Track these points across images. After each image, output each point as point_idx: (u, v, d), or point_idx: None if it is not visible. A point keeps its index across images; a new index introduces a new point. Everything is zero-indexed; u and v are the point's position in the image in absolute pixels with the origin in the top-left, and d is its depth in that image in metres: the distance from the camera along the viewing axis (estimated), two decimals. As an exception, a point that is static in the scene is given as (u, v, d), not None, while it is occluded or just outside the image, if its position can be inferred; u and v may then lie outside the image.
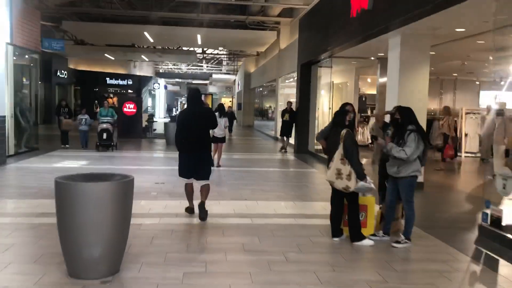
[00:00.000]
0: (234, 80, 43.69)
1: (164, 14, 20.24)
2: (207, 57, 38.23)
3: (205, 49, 33.11)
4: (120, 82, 37.92)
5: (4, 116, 11.32)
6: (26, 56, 14.07)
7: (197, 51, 32.35)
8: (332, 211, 5.58)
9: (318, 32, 13.76)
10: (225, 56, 37.50)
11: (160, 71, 47.57)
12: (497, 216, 5.58)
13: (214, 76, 47.50)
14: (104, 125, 14.11)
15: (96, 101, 31.44)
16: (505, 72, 6.48)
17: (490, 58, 8.24)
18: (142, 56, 31.19)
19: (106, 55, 29.71)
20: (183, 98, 60.95)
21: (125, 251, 4.42)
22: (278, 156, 15.22)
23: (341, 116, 5.47)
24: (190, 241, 5.34)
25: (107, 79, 37.08)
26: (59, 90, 30.09)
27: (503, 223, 5.50)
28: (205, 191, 6.35)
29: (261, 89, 30.38)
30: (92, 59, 34.18)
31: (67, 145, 14.67)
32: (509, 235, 5.33)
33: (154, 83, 43.90)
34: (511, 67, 6.55)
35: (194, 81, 50.57)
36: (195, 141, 6.18)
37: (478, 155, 15.22)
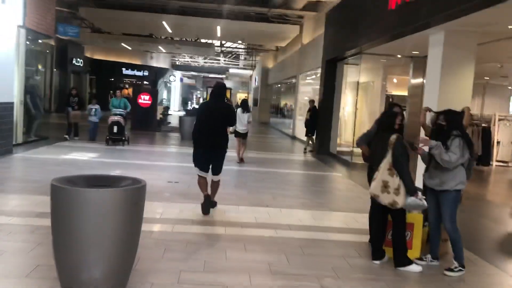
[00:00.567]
0: (251, 76, 42.94)
1: (183, 4, 19.54)
2: (225, 51, 37.49)
3: (223, 42, 32.38)
4: (136, 73, 37.33)
5: (12, 103, 10.70)
6: (40, 41, 13.46)
7: (215, 44, 31.63)
8: (373, 229, 4.80)
9: (346, 27, 12.93)
10: (243, 50, 36.73)
11: (177, 63, 46.97)
12: None
13: (230, 70, 46.79)
14: (115, 118, 12.96)
15: (111, 91, 30.89)
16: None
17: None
18: (159, 47, 30.57)
19: (123, 44, 29.13)
20: (198, 92, 60.43)
21: (133, 267, 3.71)
22: (297, 156, 14.45)
23: (390, 118, 4.69)
24: (207, 256, 4.60)
25: (123, 69, 36.52)
26: (74, 79, 29.57)
27: None
28: (215, 188, 6.33)
29: (279, 85, 29.54)
30: (109, 48, 33.60)
31: (75, 137, 13.63)
32: None
33: (170, 75, 43.30)
34: None
35: (211, 75, 49.93)
36: (212, 137, 6.06)
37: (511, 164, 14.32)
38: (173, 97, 46.78)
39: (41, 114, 13.35)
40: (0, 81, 10.01)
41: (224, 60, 44.81)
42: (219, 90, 6.38)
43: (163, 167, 10.02)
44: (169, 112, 21.87)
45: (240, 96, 52.71)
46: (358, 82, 14.07)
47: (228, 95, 14.46)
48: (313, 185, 9.60)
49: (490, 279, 4.58)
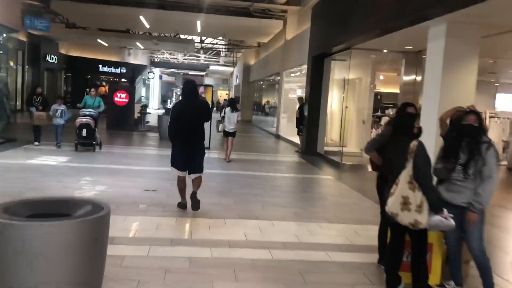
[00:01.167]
0: (232, 73, 42.07)
1: (161, -3, 18.61)
2: (205, 47, 36.54)
3: (203, 38, 31.44)
4: (113, 70, 36.09)
5: (-29, 103, 9.71)
6: (4, 35, 12.40)
7: (195, 40, 30.66)
8: (389, 253, 4.05)
9: (335, 21, 12.20)
10: (224, 46, 35.84)
11: (156, 60, 45.75)
12: None
13: (211, 67, 45.81)
14: (84, 119, 11.31)
15: (87, 89, 29.63)
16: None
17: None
18: (137, 43, 29.47)
19: (99, 40, 27.94)
20: (178, 89, 59.25)
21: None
22: (283, 157, 13.71)
23: (408, 120, 3.94)
24: (190, 290, 3.80)
25: (100, 66, 35.24)
26: (48, 76, 28.27)
27: None
28: (197, 183, 6.22)
29: (261, 82, 28.75)
30: (85, 45, 32.29)
31: (36, 143, 11.58)
32: None
33: (148, 72, 42.10)
34: None
35: (191, 72, 48.84)
36: (189, 134, 6.08)
37: (503, 163, 13.80)
38: (152, 95, 45.56)
39: (7, 114, 12.33)
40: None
41: (204, 57, 43.81)
42: (190, 86, 6.32)
43: (140, 172, 9.15)
44: (148, 111, 20.83)
45: (221, 93, 51.81)
46: (345, 79, 13.39)
47: (210, 93, 13.64)
48: (304, 191, 8.85)
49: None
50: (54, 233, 2.41)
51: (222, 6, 20.08)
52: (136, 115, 18.97)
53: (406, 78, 11.80)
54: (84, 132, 11.20)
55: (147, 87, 44.05)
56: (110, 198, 6.66)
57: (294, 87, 19.61)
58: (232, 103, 11.81)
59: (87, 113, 11.59)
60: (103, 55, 34.95)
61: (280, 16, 20.66)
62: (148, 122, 19.74)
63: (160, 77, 48.54)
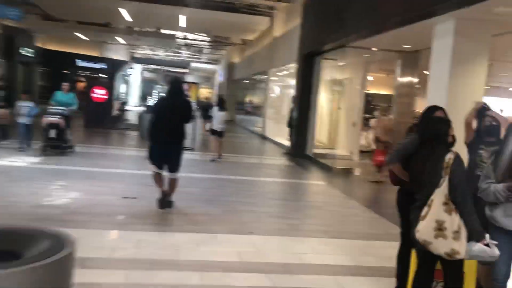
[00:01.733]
0: (215, 71, 41.28)
1: (144, -11, 17.74)
2: (188, 44, 35.65)
3: (186, 34, 30.56)
4: (93, 65, 34.89)
5: None
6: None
7: (177, 36, 29.79)
8: (415, 283, 3.40)
9: (329, 16, 11.56)
10: (207, 43, 35.00)
11: (137, 56, 44.61)
12: None
13: (193, 65, 44.89)
14: (52, 118, 9.84)
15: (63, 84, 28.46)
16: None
17: None
18: (118, 37, 28.47)
19: (77, 34, 26.87)
20: (159, 86, 58.14)
21: None
22: (272, 160, 13.05)
23: (440, 127, 3.30)
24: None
25: (79, 61, 33.98)
26: (23, 70, 27.05)
27: None
28: (172, 185, 6.09)
29: (247, 81, 28.04)
30: (64, 38, 31.09)
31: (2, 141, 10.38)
32: None
33: (128, 68, 40.99)
34: None
35: (172, 69, 47.83)
36: (169, 133, 5.94)
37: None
38: (132, 91, 44.44)
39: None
40: None
41: (187, 54, 42.86)
42: (176, 85, 6.24)
43: (118, 176, 8.38)
44: (127, 108, 19.95)
45: (203, 91, 50.90)
46: (336, 79, 12.81)
47: (195, 90, 13.11)
48: (298, 199, 8.20)
49: None
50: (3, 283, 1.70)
51: (207, 0, 19.35)
52: (115, 112, 18.10)
53: (402, 79, 11.25)
54: (52, 133, 9.75)
55: (127, 83, 42.93)
56: (84, 207, 5.91)
57: (282, 86, 18.95)
58: (220, 102, 11.69)
59: (55, 110, 10.04)
60: (83, 49, 33.73)
61: (267, 12, 20.00)
62: (127, 120, 18.88)
63: (141, 73, 47.44)
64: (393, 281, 3.97)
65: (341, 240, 5.50)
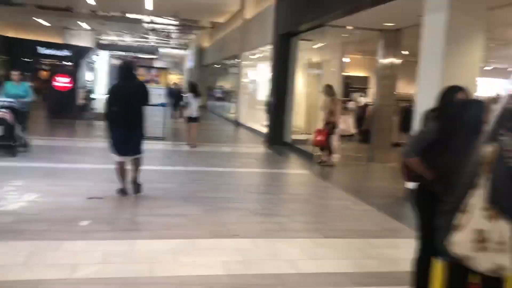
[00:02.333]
0: (184, 56, 40.12)
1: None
2: (155, 28, 34.38)
3: (153, 18, 29.35)
4: (56, 52, 33.19)
5: None
6: None
7: (144, 21, 28.56)
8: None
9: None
10: (175, 27, 33.81)
11: (103, 42, 42.92)
12: None
13: (162, 50, 43.54)
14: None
15: (26, 73, 26.84)
16: None
17: None
18: (81, 23, 27.05)
19: (36, 19, 25.36)
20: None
21: None
22: (249, 148, 12.39)
23: (475, 113, 2.70)
24: None
25: (41, 48, 32.21)
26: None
27: None
28: (138, 164, 6.12)
29: (218, 66, 27.13)
30: (24, 24, 29.42)
31: None
32: None
33: (94, 55, 39.36)
34: None
35: (140, 55, 46.33)
36: (127, 117, 5.89)
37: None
38: (99, 79, 42.82)
39: None
40: None
41: (155, 39, 41.48)
42: (127, 68, 6.15)
43: (83, 172, 7.56)
44: (93, 96, 18.87)
45: (172, 77, 49.57)
46: (313, 61, 12.17)
47: (166, 76, 12.51)
48: (282, 191, 7.57)
49: None
50: None
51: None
52: (81, 101, 17.03)
53: (384, 60, 10.69)
54: None
55: (94, 71, 41.30)
56: (40, 213, 5.12)
57: (255, 70, 18.21)
58: (193, 88, 11.55)
59: (3, 103, 8.51)
60: (45, 36, 32.02)
61: (238, -7, 19.16)
62: (93, 109, 17.81)
63: (108, 60, 45.74)
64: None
65: (336, 240, 4.89)
